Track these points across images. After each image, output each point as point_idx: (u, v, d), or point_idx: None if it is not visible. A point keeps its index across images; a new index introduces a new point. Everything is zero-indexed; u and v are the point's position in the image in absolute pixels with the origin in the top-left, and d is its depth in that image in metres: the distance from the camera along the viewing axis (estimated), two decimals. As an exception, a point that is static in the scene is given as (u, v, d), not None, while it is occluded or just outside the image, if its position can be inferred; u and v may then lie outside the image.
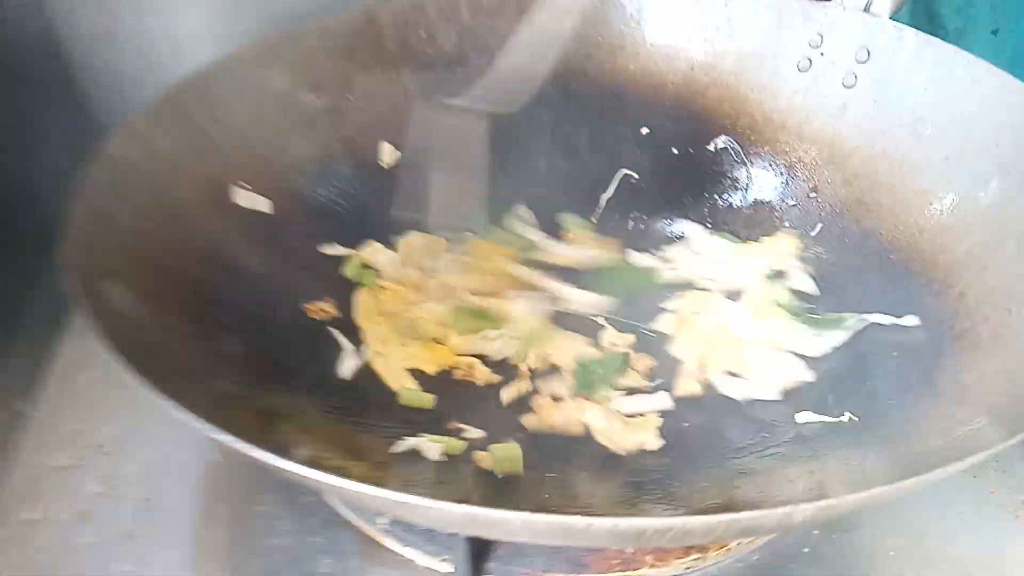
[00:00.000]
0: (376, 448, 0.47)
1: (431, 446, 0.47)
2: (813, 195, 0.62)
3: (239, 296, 0.52)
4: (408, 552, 0.49)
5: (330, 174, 0.64)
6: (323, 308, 0.57)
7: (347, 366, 0.54)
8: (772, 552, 0.48)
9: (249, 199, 0.56)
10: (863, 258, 0.57)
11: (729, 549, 0.47)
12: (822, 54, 0.63)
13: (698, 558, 0.47)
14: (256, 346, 0.51)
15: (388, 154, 0.67)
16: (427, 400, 0.52)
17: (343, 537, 0.49)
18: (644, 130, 0.71)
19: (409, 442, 0.47)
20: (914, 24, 0.59)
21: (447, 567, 0.47)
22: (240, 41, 0.59)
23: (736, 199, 0.67)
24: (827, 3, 0.62)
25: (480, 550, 0.46)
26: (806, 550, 0.48)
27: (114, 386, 0.58)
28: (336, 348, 0.56)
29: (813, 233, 0.61)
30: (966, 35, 0.86)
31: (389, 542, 0.49)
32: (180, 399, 0.34)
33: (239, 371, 0.47)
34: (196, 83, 0.55)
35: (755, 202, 0.65)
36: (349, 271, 0.60)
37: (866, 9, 0.61)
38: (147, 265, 0.46)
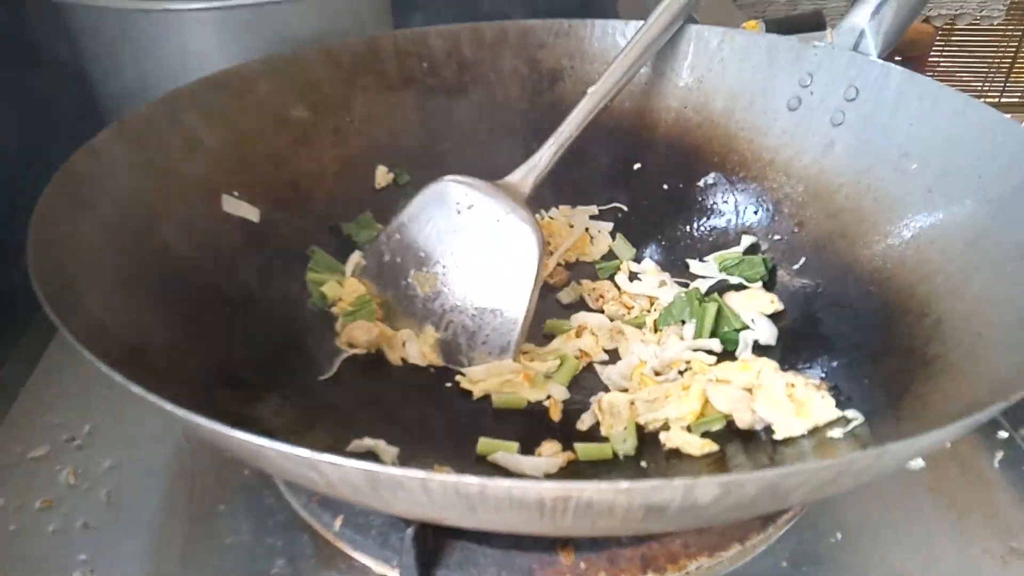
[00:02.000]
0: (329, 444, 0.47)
1: (388, 450, 0.47)
2: (797, 229, 0.62)
3: (220, 301, 0.54)
4: (359, 556, 0.48)
5: (323, 190, 0.66)
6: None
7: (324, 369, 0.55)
8: None
9: (238, 207, 0.58)
10: (843, 290, 0.56)
11: (689, 572, 0.45)
12: (812, 93, 0.63)
13: None
14: (235, 349, 0.52)
15: (382, 176, 0.69)
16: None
17: (300, 539, 0.49)
18: (636, 165, 0.72)
19: (367, 443, 0.47)
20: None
21: (396, 571, 0.46)
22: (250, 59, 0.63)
23: (723, 235, 0.66)
24: (817, 43, 0.63)
25: (428, 555, 0.45)
26: None
27: (93, 384, 0.59)
28: (309, 354, 0.56)
29: (796, 267, 0.61)
30: None
31: (343, 545, 0.48)
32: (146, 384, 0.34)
33: (214, 373, 0.48)
34: (194, 91, 0.57)
35: (742, 237, 0.65)
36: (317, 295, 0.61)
37: (855, 48, 0.62)
38: (124, 263, 0.48)
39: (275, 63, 0.63)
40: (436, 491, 0.27)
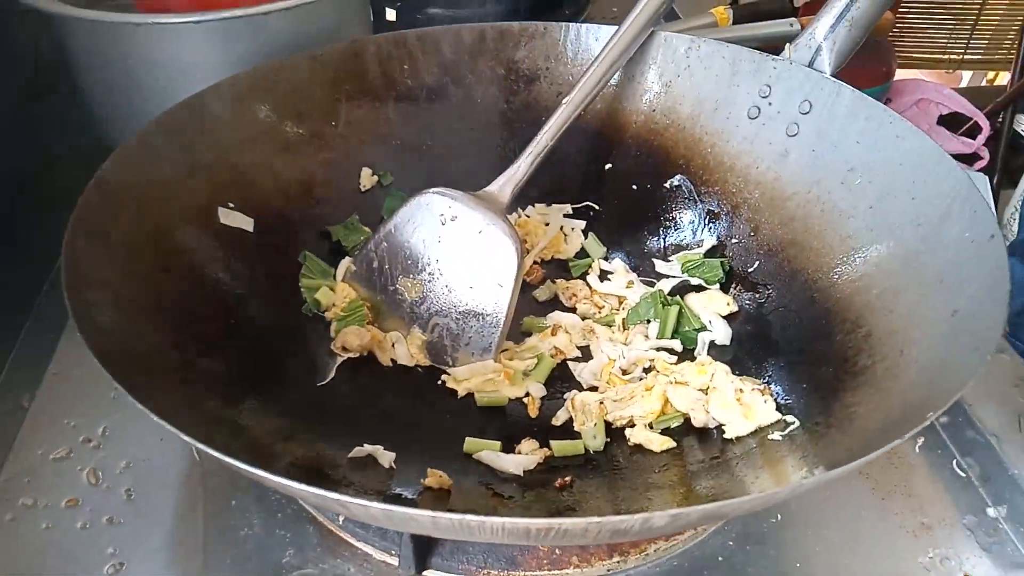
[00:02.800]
0: (333, 454, 0.52)
1: (385, 455, 0.53)
2: (753, 234, 0.67)
3: (220, 310, 0.58)
4: (362, 546, 0.54)
5: (312, 196, 0.69)
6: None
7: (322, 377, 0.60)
8: (689, 559, 0.53)
9: (233, 218, 0.61)
10: (790, 295, 0.62)
11: (648, 554, 0.52)
12: (770, 104, 0.68)
13: (620, 560, 0.52)
14: (234, 357, 0.56)
15: (367, 178, 0.73)
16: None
17: (307, 531, 0.55)
18: (607, 166, 0.77)
19: (367, 448, 0.53)
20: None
21: (396, 560, 0.52)
22: (237, 68, 0.65)
23: (687, 236, 0.72)
24: (777, 57, 0.68)
25: (424, 547, 0.52)
26: (720, 559, 0.53)
27: (106, 386, 0.63)
28: (305, 360, 0.61)
29: (750, 270, 0.67)
30: None
31: (346, 536, 0.54)
32: (154, 402, 0.39)
33: (216, 381, 0.53)
34: (188, 110, 0.60)
35: (704, 239, 0.70)
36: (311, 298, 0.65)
37: (810, 64, 0.66)
38: (136, 281, 0.52)
39: (262, 73, 0.66)
40: (443, 524, 0.32)
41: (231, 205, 0.62)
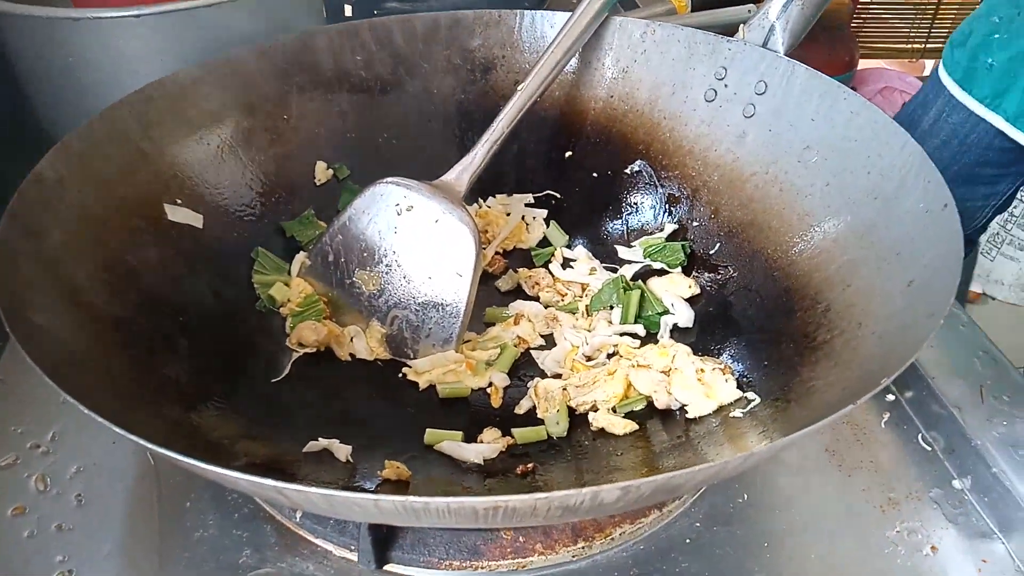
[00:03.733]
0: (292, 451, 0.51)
1: (341, 448, 0.51)
2: (713, 216, 0.67)
3: (169, 309, 0.56)
4: (321, 543, 0.52)
5: (264, 191, 0.68)
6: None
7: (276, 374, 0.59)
8: (656, 542, 0.53)
9: (181, 214, 0.60)
10: (751, 275, 0.62)
11: (613, 539, 0.51)
12: (726, 85, 0.68)
13: (584, 546, 0.51)
14: (187, 356, 0.55)
15: (321, 172, 0.71)
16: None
17: (264, 530, 0.53)
18: (567, 154, 0.76)
19: (321, 443, 0.51)
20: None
21: (356, 556, 0.51)
22: (183, 64, 0.64)
23: (648, 221, 0.71)
24: (731, 39, 0.67)
25: (383, 541, 0.50)
26: (688, 541, 0.53)
27: (56, 392, 0.61)
28: (260, 356, 0.60)
29: (712, 252, 0.66)
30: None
31: (305, 534, 0.53)
32: (99, 405, 0.38)
33: (169, 382, 0.51)
34: (131, 105, 0.59)
35: (665, 223, 0.70)
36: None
37: (764, 44, 0.66)
38: (77, 281, 0.50)
39: (209, 67, 0.65)
40: (387, 508, 0.31)
41: (179, 201, 0.60)
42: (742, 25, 0.68)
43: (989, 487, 0.55)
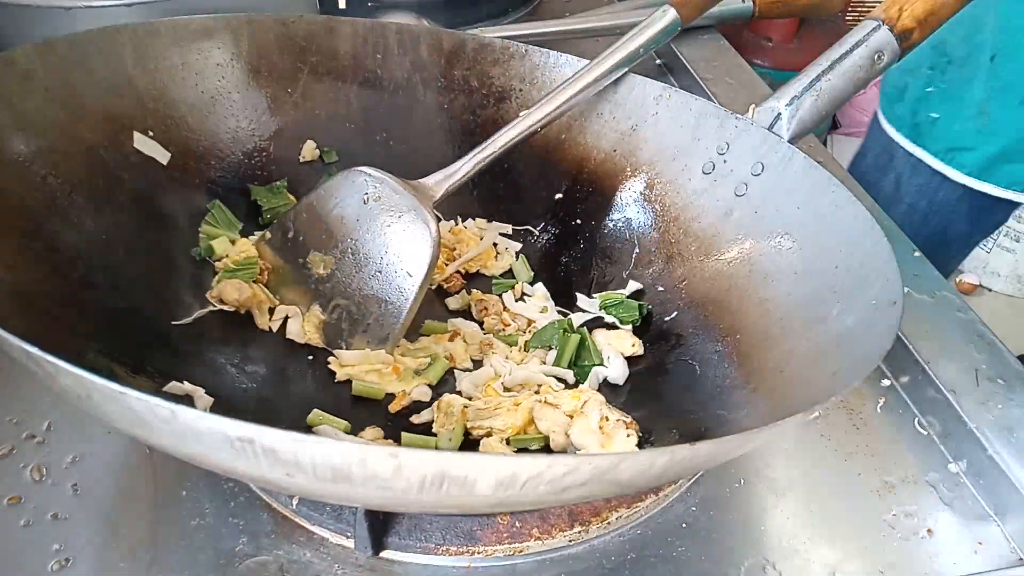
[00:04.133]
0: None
1: (204, 398, 0.49)
2: (679, 286, 0.64)
3: (95, 234, 0.55)
4: (318, 530, 0.50)
5: (245, 153, 0.68)
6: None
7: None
8: (653, 526, 0.52)
9: (150, 146, 0.60)
10: (695, 351, 0.58)
11: (610, 523, 0.50)
12: (725, 161, 0.66)
13: (581, 531, 0.49)
14: (101, 286, 0.53)
15: (309, 151, 0.71)
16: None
17: (260, 518, 0.51)
18: (557, 196, 0.75)
19: (185, 387, 0.49)
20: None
21: (352, 542, 0.49)
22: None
23: (615, 276, 0.69)
24: (740, 116, 0.66)
25: (379, 526, 0.49)
26: (684, 525, 0.52)
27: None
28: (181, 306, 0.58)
29: (667, 318, 0.63)
30: (968, 63, 0.92)
31: (301, 521, 0.51)
32: None
33: (73, 300, 0.50)
34: (132, 32, 0.60)
35: (630, 282, 0.67)
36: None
37: (770, 128, 0.65)
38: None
39: (226, 22, 0.66)
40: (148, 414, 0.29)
41: (151, 134, 0.61)
42: (753, 106, 0.66)
43: (985, 470, 0.55)
